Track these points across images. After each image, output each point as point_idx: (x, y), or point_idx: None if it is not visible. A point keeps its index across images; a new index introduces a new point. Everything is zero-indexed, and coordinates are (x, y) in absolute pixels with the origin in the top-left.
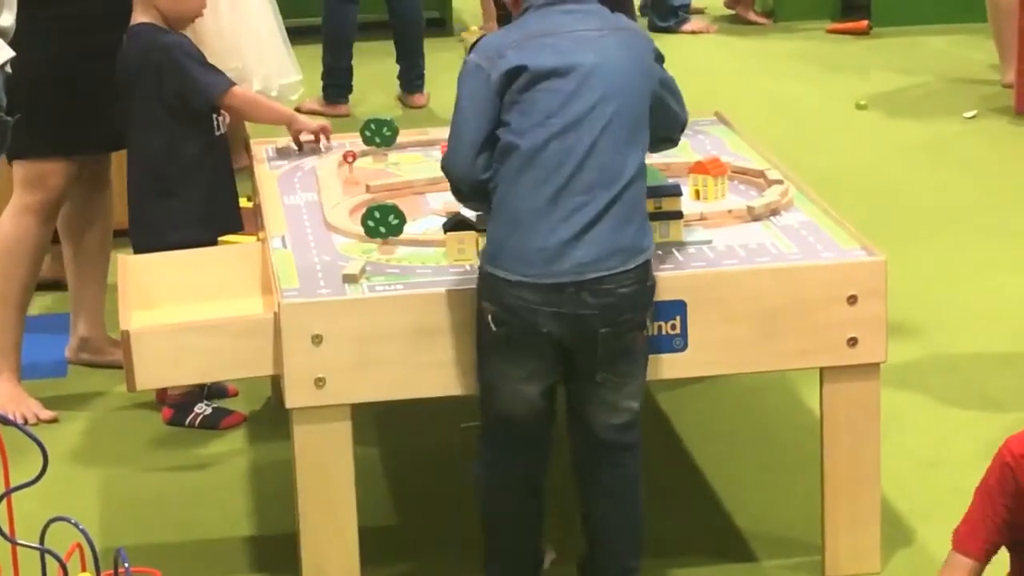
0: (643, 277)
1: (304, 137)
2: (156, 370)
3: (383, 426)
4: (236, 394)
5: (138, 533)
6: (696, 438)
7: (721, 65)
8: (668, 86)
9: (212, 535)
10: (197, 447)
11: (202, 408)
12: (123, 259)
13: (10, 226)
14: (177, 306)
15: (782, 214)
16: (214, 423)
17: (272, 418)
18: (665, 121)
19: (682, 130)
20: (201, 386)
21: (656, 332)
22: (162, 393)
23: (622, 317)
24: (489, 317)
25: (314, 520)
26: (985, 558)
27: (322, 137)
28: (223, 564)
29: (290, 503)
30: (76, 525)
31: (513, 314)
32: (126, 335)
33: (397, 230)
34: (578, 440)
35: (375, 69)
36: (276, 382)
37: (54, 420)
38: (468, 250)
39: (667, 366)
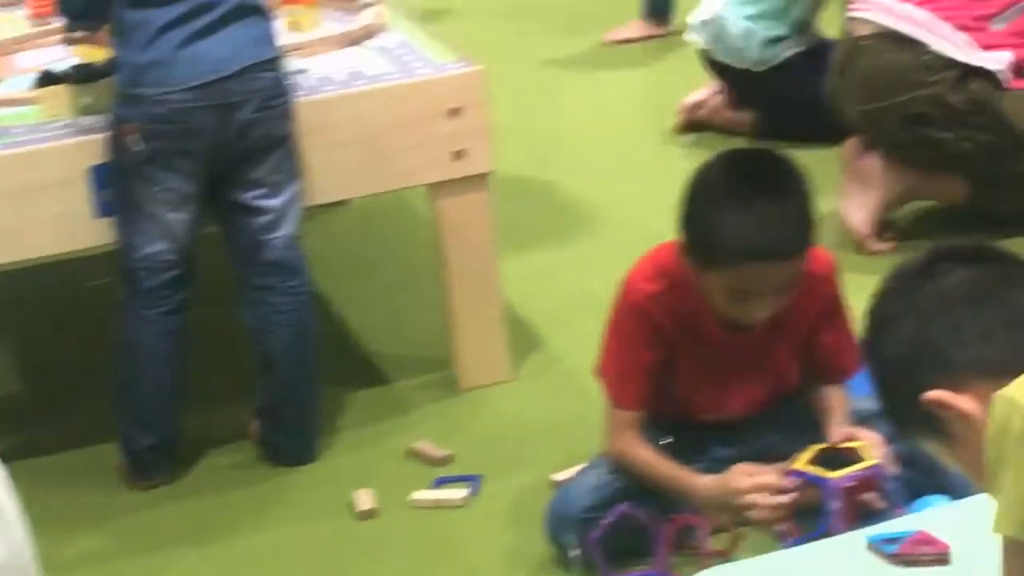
0: (281, 66)
1: None
2: None
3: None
4: None
5: None
6: (319, 266)
7: None
8: None
9: None
10: None
11: None
12: None
13: None
14: None
15: (378, 36)
16: None
17: None
18: None
19: None
20: None
21: None
22: None
23: (269, 103)
24: (139, 135)
25: None
26: (644, 405)
27: None
28: None
29: None
30: None
31: (164, 122)
32: None
33: None
34: (245, 268)
35: None
36: None
37: None
38: (62, 105)
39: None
